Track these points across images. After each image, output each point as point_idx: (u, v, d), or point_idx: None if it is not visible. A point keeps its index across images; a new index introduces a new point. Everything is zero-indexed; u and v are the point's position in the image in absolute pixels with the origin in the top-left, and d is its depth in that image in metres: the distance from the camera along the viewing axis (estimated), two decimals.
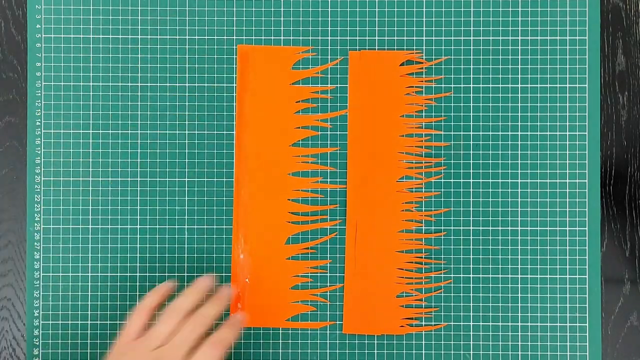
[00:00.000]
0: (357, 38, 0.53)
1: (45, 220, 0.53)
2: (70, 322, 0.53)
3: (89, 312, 0.53)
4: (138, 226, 0.53)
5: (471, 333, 0.53)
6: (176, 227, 0.53)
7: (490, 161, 0.53)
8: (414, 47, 0.53)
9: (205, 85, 0.53)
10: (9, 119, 0.54)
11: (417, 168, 0.53)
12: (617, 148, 0.54)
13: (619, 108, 0.54)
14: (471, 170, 0.53)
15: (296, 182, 0.53)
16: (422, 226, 0.53)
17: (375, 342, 0.53)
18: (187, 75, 0.53)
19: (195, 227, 0.53)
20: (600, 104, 0.54)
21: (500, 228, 0.53)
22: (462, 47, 0.53)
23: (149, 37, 0.53)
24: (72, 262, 0.53)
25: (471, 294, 0.53)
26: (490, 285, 0.53)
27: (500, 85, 0.53)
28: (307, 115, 0.53)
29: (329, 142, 0.53)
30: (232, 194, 0.53)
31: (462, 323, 0.52)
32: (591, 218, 0.53)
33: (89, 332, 0.52)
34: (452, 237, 0.53)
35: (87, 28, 0.53)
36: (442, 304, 0.53)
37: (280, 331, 0.53)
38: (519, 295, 0.53)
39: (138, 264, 0.53)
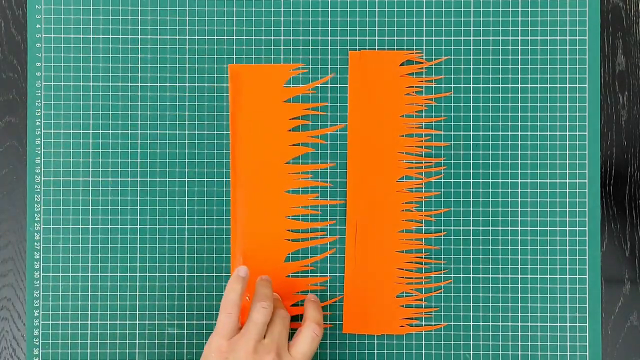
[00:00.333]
0: (357, 38, 0.53)
1: (45, 220, 0.53)
2: (70, 322, 0.53)
3: (89, 312, 0.53)
4: (138, 226, 0.53)
5: (471, 333, 0.53)
6: (176, 227, 0.53)
7: (490, 161, 0.53)
8: (414, 47, 0.53)
9: (205, 85, 0.53)
10: (9, 119, 0.54)
11: (417, 168, 0.53)
12: (617, 148, 0.54)
13: (619, 108, 0.54)
14: (471, 170, 0.53)
15: (293, 199, 0.53)
16: (422, 226, 0.53)
17: (375, 342, 0.53)
18: (187, 75, 0.53)
19: (195, 227, 0.53)
20: (600, 104, 0.54)
21: (500, 228, 0.53)
22: (462, 47, 0.53)
23: (149, 37, 0.53)
24: (72, 262, 0.53)
25: (471, 294, 0.53)
26: (490, 285, 0.53)
27: (500, 85, 0.53)
28: (301, 133, 0.53)
29: (327, 158, 0.53)
30: (230, 194, 0.53)
31: (462, 323, 0.52)
32: (591, 218, 0.53)
33: (89, 332, 0.52)
34: (452, 237, 0.53)
35: (87, 28, 0.53)
36: (442, 304, 0.53)
37: None
38: (519, 295, 0.53)
39: (138, 264, 0.53)
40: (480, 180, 0.53)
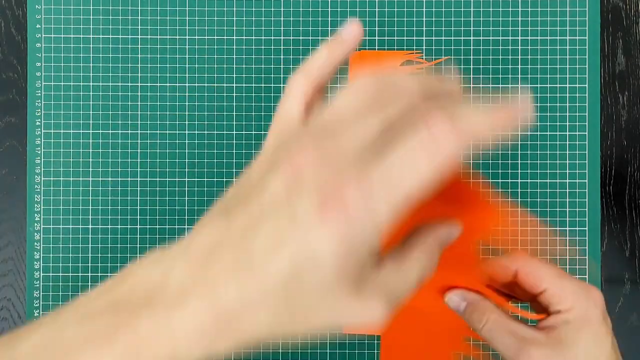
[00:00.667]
0: None
1: (45, 220, 0.53)
2: None
3: None
4: (138, 226, 0.53)
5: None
6: (176, 227, 0.53)
7: (490, 161, 0.53)
8: (414, 47, 0.53)
9: (205, 85, 0.53)
10: (9, 119, 0.54)
11: None
12: (617, 148, 0.54)
13: (619, 108, 0.54)
14: (471, 170, 0.53)
15: None
16: None
17: (375, 342, 0.53)
18: (187, 75, 0.53)
19: None
20: (600, 104, 0.54)
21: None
22: (462, 47, 0.53)
23: (149, 37, 0.53)
24: (72, 262, 0.53)
25: None
26: None
27: (500, 85, 0.53)
28: None
29: None
30: None
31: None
32: (591, 218, 0.53)
33: None
34: None
35: (87, 28, 0.53)
36: None
37: None
38: None
39: None
40: (480, 180, 0.53)
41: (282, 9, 0.54)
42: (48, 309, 0.53)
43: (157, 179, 0.53)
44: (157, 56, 0.53)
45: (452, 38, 0.53)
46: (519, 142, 0.53)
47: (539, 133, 0.53)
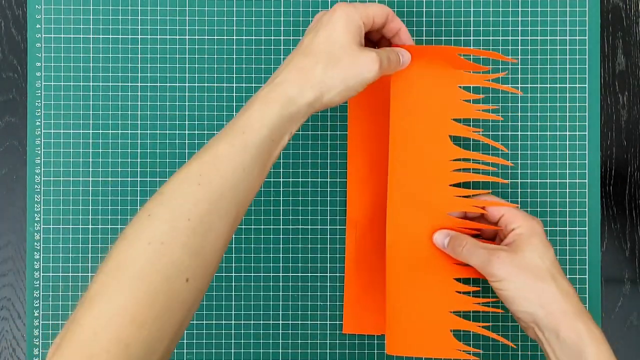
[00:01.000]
0: None
1: (45, 220, 0.53)
2: None
3: None
4: None
5: (471, 333, 0.53)
6: None
7: (490, 161, 0.53)
8: None
9: (205, 85, 0.53)
10: (9, 119, 0.54)
11: None
12: (617, 148, 0.54)
13: (619, 108, 0.54)
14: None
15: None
16: None
17: (375, 342, 0.53)
18: (187, 75, 0.53)
19: None
20: (600, 104, 0.54)
21: None
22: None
23: (149, 37, 0.53)
24: (72, 262, 0.53)
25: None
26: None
27: (500, 85, 0.53)
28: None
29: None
30: None
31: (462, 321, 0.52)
32: (591, 218, 0.53)
33: None
34: None
35: (87, 28, 0.53)
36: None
37: (280, 331, 0.53)
38: None
39: None
40: (480, 180, 0.53)
41: (282, 9, 0.54)
42: (48, 309, 0.53)
43: (157, 179, 0.53)
44: (157, 56, 0.53)
45: (452, 38, 0.53)
46: (519, 142, 0.53)
47: (539, 133, 0.53)
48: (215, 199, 0.35)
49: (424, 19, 0.53)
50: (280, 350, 0.53)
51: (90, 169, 0.53)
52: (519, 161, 0.53)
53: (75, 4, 0.53)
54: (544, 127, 0.53)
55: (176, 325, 0.34)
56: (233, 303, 0.53)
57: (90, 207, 0.53)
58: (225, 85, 0.53)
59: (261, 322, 0.53)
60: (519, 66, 0.53)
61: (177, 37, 0.53)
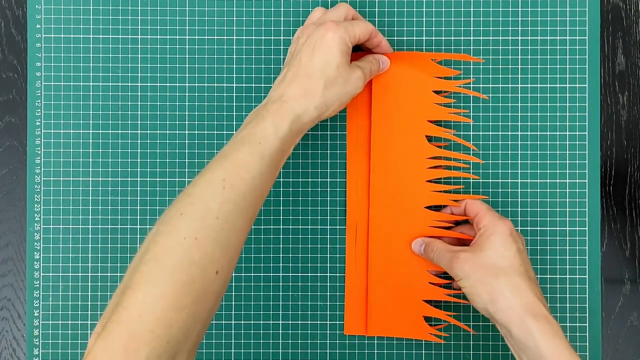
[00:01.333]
0: None
1: (45, 220, 0.53)
2: (70, 322, 0.53)
3: (89, 312, 0.53)
4: (138, 226, 0.53)
5: (471, 333, 0.53)
6: None
7: (490, 161, 0.53)
8: (414, 47, 0.53)
9: (205, 85, 0.53)
10: (9, 119, 0.54)
11: None
12: (617, 148, 0.54)
13: (619, 108, 0.54)
14: (471, 170, 0.53)
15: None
16: None
17: (375, 342, 0.53)
18: (187, 75, 0.53)
19: None
20: (600, 104, 0.54)
21: None
22: (462, 47, 0.53)
23: (149, 37, 0.53)
24: (72, 262, 0.53)
25: None
26: None
27: (500, 85, 0.53)
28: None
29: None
30: None
31: (462, 322, 0.52)
32: (591, 218, 0.53)
33: (88, 332, 0.52)
34: None
35: (87, 28, 0.53)
36: (443, 304, 0.53)
37: (280, 331, 0.53)
38: None
39: None
40: (480, 181, 0.53)
41: (282, 9, 0.54)
42: (48, 309, 0.53)
43: (157, 179, 0.53)
44: (157, 56, 0.53)
45: (452, 38, 0.53)
46: (519, 142, 0.53)
47: (539, 133, 0.53)
48: (238, 200, 0.41)
49: (424, 19, 0.53)
50: (281, 350, 0.53)
51: (90, 169, 0.53)
52: (519, 161, 0.53)
53: (75, 4, 0.53)
54: (543, 127, 0.53)
55: (208, 310, 0.39)
56: (233, 303, 0.53)
57: (90, 207, 0.53)
58: (225, 85, 0.53)
59: (261, 322, 0.53)
60: (519, 66, 0.53)
61: (177, 37, 0.53)
